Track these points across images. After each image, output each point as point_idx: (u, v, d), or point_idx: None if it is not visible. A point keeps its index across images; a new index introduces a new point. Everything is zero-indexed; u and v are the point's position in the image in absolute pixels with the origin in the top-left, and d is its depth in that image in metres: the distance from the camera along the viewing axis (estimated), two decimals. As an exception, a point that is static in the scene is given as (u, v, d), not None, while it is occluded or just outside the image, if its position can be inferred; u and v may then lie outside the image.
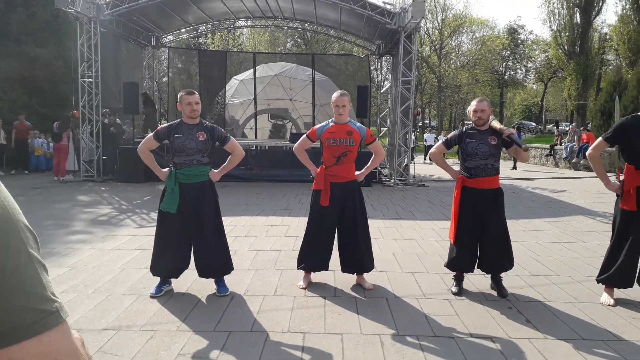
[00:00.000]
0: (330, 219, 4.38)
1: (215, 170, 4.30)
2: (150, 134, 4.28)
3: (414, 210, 8.81)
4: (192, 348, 3.23)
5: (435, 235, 6.76)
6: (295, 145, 4.63)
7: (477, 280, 4.75)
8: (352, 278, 4.66)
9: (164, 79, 18.78)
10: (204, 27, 18.74)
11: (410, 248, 6.01)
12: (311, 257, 4.45)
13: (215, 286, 4.29)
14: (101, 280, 4.58)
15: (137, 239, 6.26)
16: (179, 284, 4.45)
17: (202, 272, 4.27)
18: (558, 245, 6.29)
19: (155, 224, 4.31)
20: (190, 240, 4.23)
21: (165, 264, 4.20)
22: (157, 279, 4.29)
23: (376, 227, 7.15)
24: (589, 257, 5.71)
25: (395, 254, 5.72)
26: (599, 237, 6.79)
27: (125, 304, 3.99)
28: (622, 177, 4.14)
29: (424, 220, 7.86)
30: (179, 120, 4.22)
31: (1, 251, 0.66)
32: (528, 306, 4.08)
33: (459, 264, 4.40)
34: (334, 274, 4.81)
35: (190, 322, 3.64)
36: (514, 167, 18.56)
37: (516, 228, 7.36)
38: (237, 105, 17.55)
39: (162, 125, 4.27)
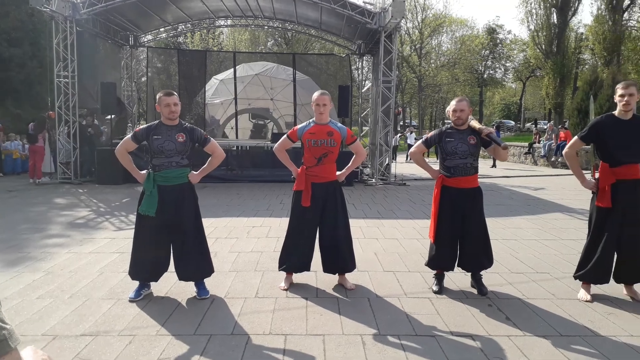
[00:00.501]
0: (311, 219, 4.36)
1: (195, 172, 4.24)
2: (129, 136, 4.20)
3: (395, 209, 8.85)
4: (172, 352, 3.18)
5: (416, 234, 6.80)
6: (276, 145, 4.61)
7: (458, 278, 4.78)
8: (334, 278, 4.65)
9: (143, 79, 18.55)
10: (183, 27, 18.52)
11: (391, 247, 6.03)
12: (292, 258, 4.43)
13: (195, 289, 4.24)
14: (78, 284, 4.50)
15: (116, 242, 6.16)
16: (158, 288, 4.39)
17: (182, 276, 4.21)
18: (537, 243, 6.37)
19: (134, 226, 4.23)
20: (169, 243, 4.17)
21: (144, 268, 4.12)
22: (136, 283, 4.22)
23: (358, 227, 7.16)
24: (566, 254, 5.79)
25: (377, 253, 5.73)
26: (576, 234, 6.90)
27: (103, 308, 3.92)
28: (597, 175, 4.21)
29: (405, 219, 7.90)
30: (157, 121, 4.13)
31: None
32: (507, 304, 4.12)
33: (439, 262, 4.43)
34: (316, 275, 4.80)
35: (170, 326, 3.59)
36: (494, 166, 18.78)
37: (495, 226, 7.44)
38: (217, 105, 17.42)
39: (141, 127, 4.16)
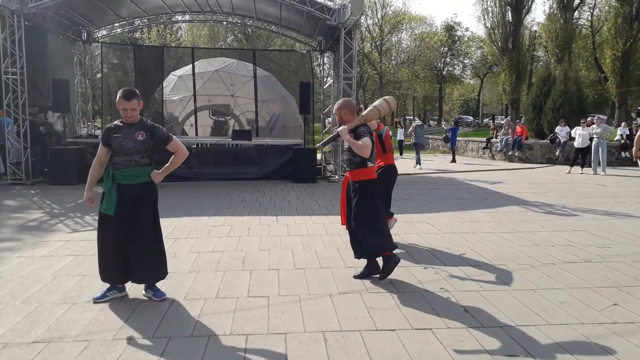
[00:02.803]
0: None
1: (157, 171, 4.13)
2: (100, 144, 4.08)
3: (357, 205, 8.89)
4: (129, 356, 3.10)
5: (378, 230, 6.84)
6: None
7: (418, 272, 4.86)
8: (297, 275, 4.64)
9: (98, 75, 17.98)
10: (139, 22, 18.03)
11: (353, 243, 6.05)
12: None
13: (147, 292, 4.16)
14: (30, 290, 4.32)
15: (71, 244, 5.95)
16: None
17: (135, 278, 4.12)
18: (494, 235, 6.54)
19: (96, 228, 4.11)
20: (128, 243, 4.06)
21: (111, 269, 4.04)
22: (94, 285, 4.09)
23: (321, 224, 7.17)
24: (523, 246, 5.97)
25: (339, 249, 5.75)
26: (531, 226, 7.12)
27: (56, 313, 3.78)
28: None
29: (367, 215, 7.94)
30: (119, 120, 4.05)
31: None
32: (466, 296, 4.21)
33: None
34: (278, 273, 4.78)
35: (127, 330, 3.49)
36: (453, 161, 19.18)
37: (455, 220, 7.60)
38: (175, 102, 17.07)
39: (104, 130, 4.12)
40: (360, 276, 4.68)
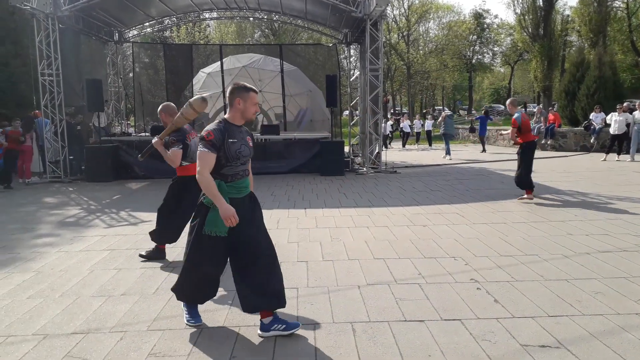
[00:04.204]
0: None
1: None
2: (205, 149, 3.15)
3: (386, 197, 8.88)
4: (162, 347, 3.19)
5: (407, 221, 6.83)
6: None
7: (447, 263, 4.83)
8: (325, 266, 4.67)
9: (130, 75, 18.37)
10: (168, 21, 18.33)
11: (382, 235, 6.06)
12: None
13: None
14: (69, 283, 4.49)
15: (106, 239, 6.14)
16: (149, 283, 4.39)
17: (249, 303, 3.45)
18: (525, 225, 6.43)
19: (191, 247, 3.43)
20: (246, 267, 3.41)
21: (204, 294, 3.60)
22: (129, 278, 4.20)
23: (349, 216, 7.19)
24: (555, 235, 5.85)
25: (368, 241, 5.76)
26: (564, 215, 6.97)
27: (94, 306, 3.92)
28: None
29: (396, 207, 7.93)
30: (222, 121, 3.31)
31: None
32: (496, 286, 4.17)
33: None
34: (306, 264, 4.83)
35: (160, 322, 3.60)
36: (483, 150, 18.86)
37: (485, 210, 7.50)
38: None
39: (209, 130, 3.20)
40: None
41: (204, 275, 3.45)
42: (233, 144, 3.24)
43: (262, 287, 3.32)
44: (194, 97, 4.62)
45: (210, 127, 3.23)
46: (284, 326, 3.35)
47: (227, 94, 3.35)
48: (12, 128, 11.52)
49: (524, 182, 8.36)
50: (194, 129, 5.28)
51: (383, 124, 23.46)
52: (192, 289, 3.54)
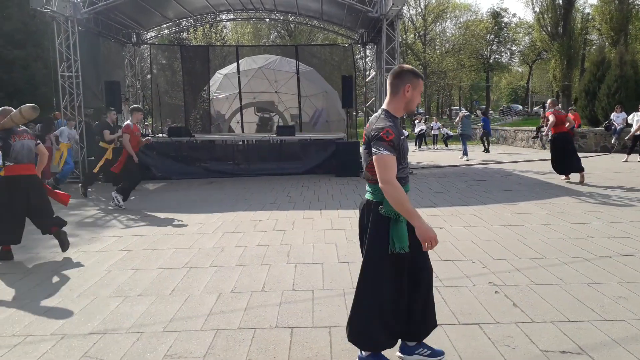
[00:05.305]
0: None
1: None
2: (387, 152, 2.59)
3: (402, 199, 8.79)
4: (178, 348, 3.20)
5: (423, 223, 6.75)
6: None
7: (465, 266, 4.76)
8: (341, 269, 4.65)
9: (148, 76, 18.57)
10: (185, 22, 18.50)
11: (398, 237, 6.00)
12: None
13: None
14: (86, 283, 4.53)
15: (124, 239, 6.19)
16: (165, 284, 4.41)
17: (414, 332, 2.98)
18: (545, 228, 6.32)
19: (370, 273, 2.79)
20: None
21: (388, 332, 2.83)
22: (145, 279, 4.22)
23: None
24: (575, 238, 5.74)
25: (384, 243, 5.71)
26: (584, 217, 6.83)
27: (111, 306, 3.94)
28: None
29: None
30: (386, 113, 2.77)
31: None
32: (515, 290, 4.10)
33: None
34: (322, 267, 4.81)
35: (176, 322, 3.61)
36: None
37: (503, 212, 7.40)
38: (222, 100, 17.43)
39: (387, 128, 2.63)
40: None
41: (393, 306, 2.77)
42: (404, 140, 2.73)
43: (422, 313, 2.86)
44: (26, 105, 5.23)
45: (382, 123, 2.67)
46: (429, 352, 2.94)
47: (391, 79, 2.78)
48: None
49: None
50: (28, 132, 5.56)
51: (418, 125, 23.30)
52: (380, 328, 2.76)
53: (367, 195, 2.88)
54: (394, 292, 2.75)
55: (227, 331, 3.45)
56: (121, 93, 13.49)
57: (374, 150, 2.63)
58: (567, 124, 10.37)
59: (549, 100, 11.22)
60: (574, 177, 10.45)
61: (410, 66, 2.88)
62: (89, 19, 12.45)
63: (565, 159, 10.34)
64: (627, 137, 15.10)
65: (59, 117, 12.89)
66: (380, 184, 2.62)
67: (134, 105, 9.56)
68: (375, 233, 2.74)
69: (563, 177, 10.57)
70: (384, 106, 2.82)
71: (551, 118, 10.21)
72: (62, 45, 12.03)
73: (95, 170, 10.05)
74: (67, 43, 12.02)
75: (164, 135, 13.83)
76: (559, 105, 11.86)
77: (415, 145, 23.11)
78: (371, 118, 2.89)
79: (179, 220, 7.28)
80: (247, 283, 4.44)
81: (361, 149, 2.95)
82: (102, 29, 13.69)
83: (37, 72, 15.98)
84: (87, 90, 12.71)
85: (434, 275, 4.48)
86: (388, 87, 2.81)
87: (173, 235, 6.33)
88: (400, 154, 2.69)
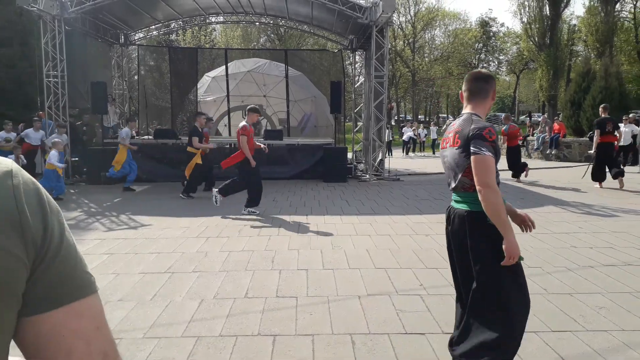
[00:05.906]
0: None
1: None
2: (489, 154, 2.47)
3: (389, 205, 8.82)
4: (158, 355, 3.14)
5: (409, 230, 6.76)
6: None
7: (449, 274, 4.75)
8: (326, 276, 4.62)
9: (135, 77, 18.41)
10: (175, 24, 18.39)
11: (384, 244, 5.99)
12: None
13: None
14: (66, 287, 4.43)
15: (106, 242, 6.10)
16: (146, 289, 4.34)
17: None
18: (529, 237, 6.33)
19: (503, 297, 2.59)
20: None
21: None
22: (126, 283, 4.15)
23: (350, 224, 7.13)
24: (559, 248, 5.78)
25: (369, 250, 5.70)
26: (569, 227, 6.89)
27: (90, 311, 3.86)
28: None
29: (398, 215, 7.87)
30: (477, 117, 2.68)
31: (61, 227, 0.77)
32: (499, 299, 4.09)
33: None
34: (307, 273, 4.77)
35: (157, 329, 3.55)
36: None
37: (489, 220, 7.42)
38: (210, 103, 17.32)
39: (489, 128, 2.55)
40: None
41: (524, 320, 2.60)
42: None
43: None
44: None
45: (483, 123, 2.54)
46: None
47: (476, 82, 2.71)
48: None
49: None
50: None
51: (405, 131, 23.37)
52: (516, 346, 2.61)
53: (463, 206, 2.66)
54: (527, 303, 2.61)
55: (208, 338, 3.39)
56: (107, 94, 13.35)
57: (473, 150, 2.46)
58: (520, 138, 12.50)
59: (503, 115, 12.44)
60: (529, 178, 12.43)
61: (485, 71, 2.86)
62: (76, 18, 12.31)
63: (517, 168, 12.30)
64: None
65: (43, 117, 12.71)
66: (478, 187, 2.45)
67: (251, 106, 8.58)
68: (491, 246, 2.54)
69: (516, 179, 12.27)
70: (469, 110, 2.71)
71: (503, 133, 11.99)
72: (48, 45, 11.88)
73: (187, 175, 9.67)
74: (53, 42, 11.88)
75: (150, 137, 13.70)
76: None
77: (403, 152, 23.20)
78: (456, 121, 2.77)
79: (162, 224, 7.20)
80: (230, 289, 4.38)
81: (447, 154, 2.75)
82: (90, 29, 13.54)
83: (23, 71, 15.75)
84: (72, 91, 12.55)
85: (418, 283, 4.48)
86: (470, 91, 2.73)
87: (156, 239, 6.25)
88: (498, 158, 2.55)
